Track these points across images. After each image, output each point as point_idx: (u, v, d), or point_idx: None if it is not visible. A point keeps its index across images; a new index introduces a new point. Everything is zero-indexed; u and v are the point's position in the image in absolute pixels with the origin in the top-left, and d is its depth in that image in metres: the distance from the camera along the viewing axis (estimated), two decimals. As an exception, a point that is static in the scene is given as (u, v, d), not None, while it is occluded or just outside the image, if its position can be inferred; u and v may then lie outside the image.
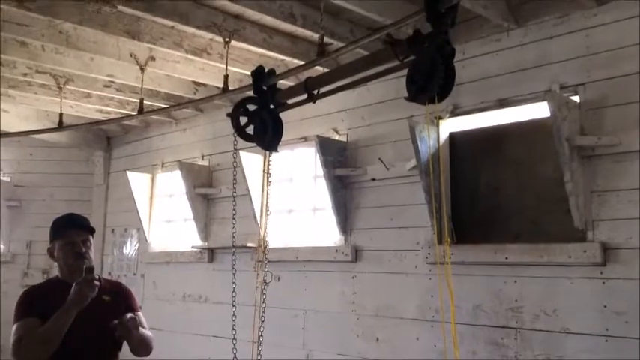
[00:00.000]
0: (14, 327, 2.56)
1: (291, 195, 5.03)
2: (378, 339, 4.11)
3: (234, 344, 3.22)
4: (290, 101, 3.20)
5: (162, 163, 6.24)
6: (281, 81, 3.75)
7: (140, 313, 2.88)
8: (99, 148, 7.00)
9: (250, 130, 3.28)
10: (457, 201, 3.85)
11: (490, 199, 3.75)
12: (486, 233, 3.68)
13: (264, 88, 3.21)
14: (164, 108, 5.15)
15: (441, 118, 3.84)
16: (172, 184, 6.06)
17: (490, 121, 3.79)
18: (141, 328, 2.68)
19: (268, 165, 3.55)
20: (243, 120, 3.28)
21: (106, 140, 7.05)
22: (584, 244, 3.20)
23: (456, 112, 3.86)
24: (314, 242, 4.71)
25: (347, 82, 2.87)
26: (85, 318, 2.53)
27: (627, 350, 3.03)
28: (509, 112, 3.68)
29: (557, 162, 3.26)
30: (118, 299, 2.80)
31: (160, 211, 6.26)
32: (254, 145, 3.42)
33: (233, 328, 3.29)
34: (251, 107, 3.30)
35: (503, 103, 3.66)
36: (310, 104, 3.21)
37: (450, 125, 3.94)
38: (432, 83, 2.31)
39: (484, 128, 3.83)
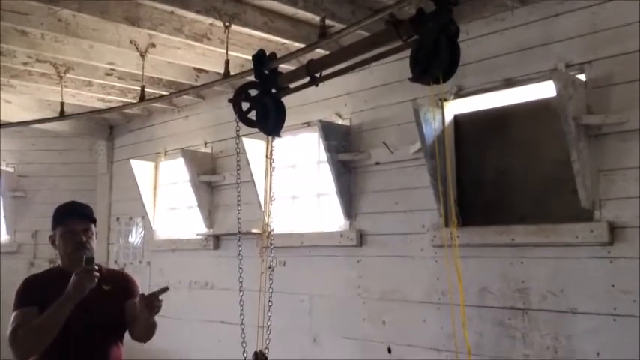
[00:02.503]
0: (12, 315, 2.55)
1: (294, 181, 5.02)
2: (384, 322, 4.12)
3: (242, 329, 3.23)
4: (292, 85, 3.17)
5: (166, 151, 6.22)
6: (282, 65, 3.71)
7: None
8: (101, 137, 6.98)
9: (252, 115, 3.26)
10: (463, 183, 3.82)
11: (496, 180, 3.72)
12: (492, 215, 3.66)
13: (266, 72, 3.18)
14: (165, 95, 5.12)
15: (445, 99, 3.81)
16: (176, 172, 6.04)
17: (495, 101, 3.75)
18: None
19: (271, 150, 3.53)
20: (245, 105, 3.26)
21: (108, 129, 7.03)
22: (591, 223, 3.17)
23: (460, 94, 3.82)
24: (319, 228, 4.70)
25: (350, 64, 2.84)
26: (85, 308, 2.51)
27: (635, 329, 3.02)
28: (514, 92, 3.63)
29: (564, 142, 3.22)
30: (119, 288, 2.77)
31: (165, 199, 6.26)
32: (257, 131, 3.40)
33: (241, 313, 3.30)
34: (253, 92, 3.27)
35: (508, 83, 3.61)
36: (313, 89, 3.18)
37: (455, 107, 3.90)
38: (436, 63, 2.28)
39: (489, 109, 3.79)
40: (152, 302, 2.51)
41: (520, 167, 3.63)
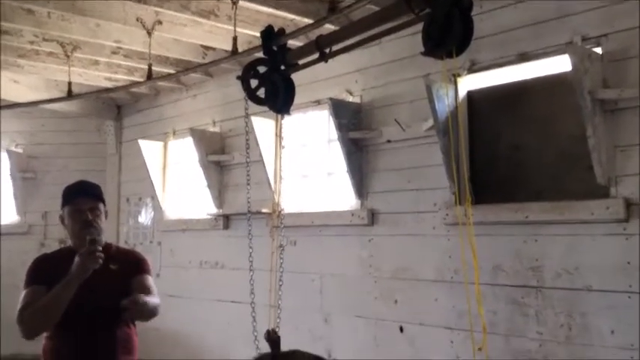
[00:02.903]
0: (22, 294, 2.56)
1: (305, 160, 4.98)
2: (396, 301, 4.10)
3: (253, 308, 3.22)
4: (301, 62, 3.12)
5: (174, 131, 6.19)
6: (291, 41, 3.65)
7: (149, 276, 2.78)
8: (109, 117, 6.96)
9: (261, 93, 3.21)
10: (476, 161, 3.76)
11: (510, 157, 3.66)
12: (506, 193, 3.61)
13: (274, 48, 3.12)
14: (172, 74, 5.07)
15: (458, 75, 3.73)
16: (185, 152, 6.02)
17: (509, 76, 3.67)
18: (147, 298, 2.55)
19: (281, 129, 3.48)
20: (253, 83, 3.21)
21: (116, 109, 7.00)
22: (607, 200, 3.12)
23: (473, 69, 3.74)
24: (329, 207, 4.67)
25: (360, 39, 2.77)
26: (92, 288, 2.50)
27: (651, 307, 2.98)
28: (529, 66, 3.55)
29: (579, 117, 3.16)
30: (128, 266, 2.74)
31: (174, 179, 6.25)
32: (266, 109, 3.36)
33: (251, 292, 3.29)
34: (262, 70, 3.22)
35: (523, 58, 3.53)
36: (322, 66, 3.13)
37: (468, 82, 3.82)
38: (449, 37, 2.22)
39: (503, 84, 3.71)
40: (131, 305, 2.48)
41: (535, 144, 3.56)
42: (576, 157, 3.31)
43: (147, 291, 2.64)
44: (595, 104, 3.10)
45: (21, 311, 2.49)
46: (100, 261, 2.49)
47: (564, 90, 3.33)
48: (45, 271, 2.60)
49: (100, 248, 2.51)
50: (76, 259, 2.47)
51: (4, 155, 6.93)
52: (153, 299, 2.60)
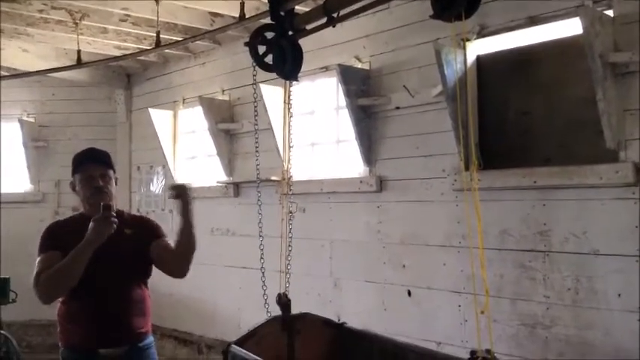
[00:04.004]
0: (37, 260, 2.62)
1: (313, 127, 4.98)
2: (404, 266, 4.15)
3: (263, 273, 3.28)
4: (309, 27, 3.10)
5: (184, 99, 6.20)
6: (298, 7, 3.61)
7: (167, 239, 2.85)
8: (119, 85, 6.97)
9: (269, 59, 3.20)
10: (485, 126, 3.75)
11: (519, 122, 3.65)
12: (515, 158, 3.61)
13: (282, 14, 3.11)
14: (180, 41, 5.06)
15: (467, 39, 3.68)
16: (194, 120, 6.04)
17: (519, 41, 3.63)
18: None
19: (289, 95, 3.49)
20: (261, 49, 3.20)
21: (125, 77, 7.00)
22: (616, 164, 3.11)
23: (483, 33, 3.70)
24: (338, 174, 4.69)
25: (368, 2, 2.75)
26: (108, 252, 2.56)
27: (659, 271, 3.00)
28: (539, 30, 3.51)
29: (590, 81, 3.13)
30: (143, 231, 2.81)
31: (184, 148, 6.28)
32: (274, 77, 3.36)
33: (261, 258, 3.34)
34: (269, 36, 3.21)
35: (533, 21, 3.48)
36: (330, 31, 3.11)
37: (477, 47, 3.78)
38: (458, -1, 2.20)
39: (513, 49, 3.67)
40: (181, 190, 2.64)
41: (544, 108, 3.54)
42: (585, 121, 3.29)
43: (169, 248, 2.72)
44: (606, 68, 3.07)
45: (37, 276, 2.55)
46: (115, 226, 2.54)
47: (574, 54, 3.29)
48: (59, 237, 2.66)
49: (114, 214, 2.57)
50: (91, 224, 2.52)
51: (17, 125, 6.99)
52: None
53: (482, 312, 2.24)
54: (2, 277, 5.81)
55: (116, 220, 2.56)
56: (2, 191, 7.01)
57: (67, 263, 2.52)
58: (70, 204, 6.47)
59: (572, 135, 3.41)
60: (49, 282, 2.54)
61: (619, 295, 3.12)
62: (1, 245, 6.52)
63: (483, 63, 3.80)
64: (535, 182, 3.41)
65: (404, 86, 4.09)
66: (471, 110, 3.54)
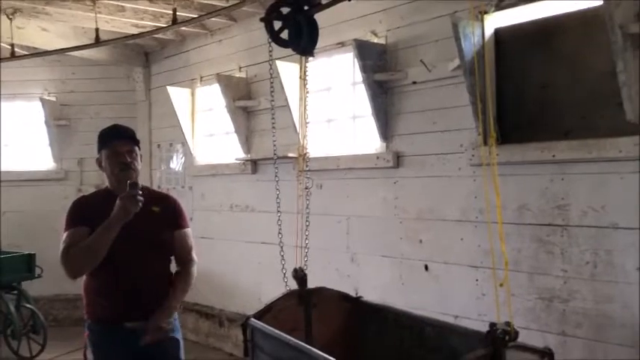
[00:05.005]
0: (64, 235, 2.67)
1: (330, 104, 4.97)
2: (421, 241, 4.16)
3: (282, 247, 3.33)
4: (325, 1, 3.08)
5: (201, 77, 6.22)
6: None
7: (189, 230, 2.95)
8: (137, 64, 7.01)
9: (285, 35, 3.19)
10: (503, 100, 3.71)
11: (538, 96, 3.60)
12: (534, 132, 3.57)
13: (298, -12, 3.09)
14: (196, 18, 5.05)
15: (485, 12, 3.64)
16: (212, 98, 6.07)
17: (538, 13, 3.56)
18: (174, 301, 2.80)
19: (305, 71, 3.49)
20: (277, 25, 3.19)
21: (144, 56, 7.04)
22: (636, 137, 3.06)
23: (501, 6, 3.64)
24: (355, 150, 4.69)
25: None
26: (135, 229, 2.62)
27: (678, 244, 2.97)
28: (558, 2, 3.44)
29: (610, 53, 3.07)
30: (167, 211, 2.88)
31: (203, 125, 6.33)
32: (290, 53, 3.35)
33: (279, 233, 3.38)
34: (285, 11, 3.20)
35: (552, -8, 3.42)
36: (346, 6, 3.09)
37: (496, 20, 3.73)
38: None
39: (532, 21, 3.61)
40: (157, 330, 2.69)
41: (564, 81, 3.49)
42: (605, 94, 3.24)
43: (186, 249, 2.90)
44: (626, 39, 3.00)
45: (65, 251, 2.61)
46: (140, 204, 2.59)
47: (594, 26, 3.23)
48: (85, 213, 2.71)
49: (140, 192, 2.61)
50: (118, 202, 2.58)
51: (38, 103, 7.09)
52: (187, 283, 2.88)
53: (501, 285, 2.25)
54: (28, 253, 5.98)
55: (142, 198, 2.61)
56: (26, 169, 7.17)
57: (94, 240, 2.58)
58: (93, 182, 6.59)
59: (592, 108, 3.36)
60: (77, 258, 2.60)
61: (637, 268, 3.11)
62: (21, 222, 6.70)
63: (502, 36, 3.74)
64: (554, 156, 3.38)
65: (421, 61, 4.06)
66: (489, 84, 3.51)
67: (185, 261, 2.92)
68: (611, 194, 3.21)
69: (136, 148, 2.80)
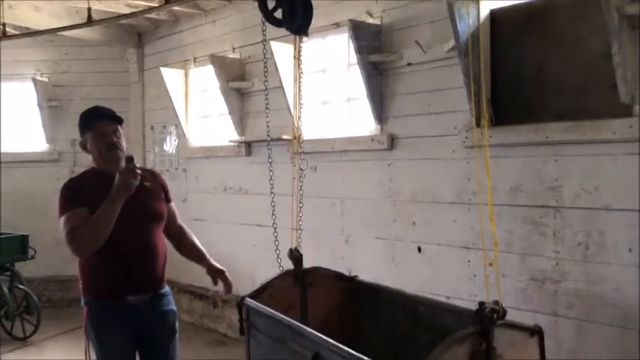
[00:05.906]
0: (63, 219, 2.66)
1: (324, 86, 4.95)
2: (414, 223, 4.18)
3: (275, 229, 3.33)
4: (319, -20, 3.06)
5: (195, 58, 6.18)
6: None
7: (173, 204, 3.08)
8: (131, 44, 6.94)
9: (279, 14, 3.17)
10: (497, 82, 3.70)
11: (532, 78, 3.59)
12: (528, 114, 3.57)
13: (292, -33, 3.06)
14: (189, -3, 5.01)
15: (481, -7, 3.62)
16: (206, 79, 6.03)
17: (534, -6, 3.55)
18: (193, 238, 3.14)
19: (299, 51, 3.47)
20: (270, 4, 3.17)
21: (137, 36, 6.97)
22: (630, 119, 3.07)
23: (496, -14, 3.63)
24: (349, 132, 4.68)
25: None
26: (133, 204, 2.67)
27: (670, 225, 2.99)
28: (554, -18, 3.43)
29: (605, 35, 3.06)
30: (158, 186, 2.97)
31: (196, 107, 6.29)
32: (285, 33, 3.32)
33: (273, 214, 3.38)
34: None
35: (548, -27, 3.40)
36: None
37: (491, 1, 3.71)
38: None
39: (527, 3, 3.60)
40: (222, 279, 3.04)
41: (558, 63, 3.48)
42: (600, 76, 3.23)
43: (175, 218, 3.08)
44: (622, 20, 2.99)
45: (71, 232, 2.61)
46: (139, 178, 2.64)
47: (590, 8, 3.22)
48: (80, 194, 2.72)
49: (138, 165, 2.68)
50: (117, 177, 2.61)
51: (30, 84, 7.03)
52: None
53: (490, 264, 2.26)
54: (21, 234, 5.97)
55: (140, 172, 2.67)
56: (20, 151, 7.12)
57: (100, 217, 2.60)
58: (86, 163, 6.50)
59: (586, 90, 3.36)
60: (85, 237, 2.61)
61: (630, 249, 3.13)
62: (14, 204, 6.67)
63: (497, 17, 3.73)
64: (547, 138, 3.39)
65: (416, 42, 4.04)
66: (483, 66, 3.49)
67: (179, 226, 3.11)
68: (605, 176, 3.22)
69: (120, 128, 2.83)
